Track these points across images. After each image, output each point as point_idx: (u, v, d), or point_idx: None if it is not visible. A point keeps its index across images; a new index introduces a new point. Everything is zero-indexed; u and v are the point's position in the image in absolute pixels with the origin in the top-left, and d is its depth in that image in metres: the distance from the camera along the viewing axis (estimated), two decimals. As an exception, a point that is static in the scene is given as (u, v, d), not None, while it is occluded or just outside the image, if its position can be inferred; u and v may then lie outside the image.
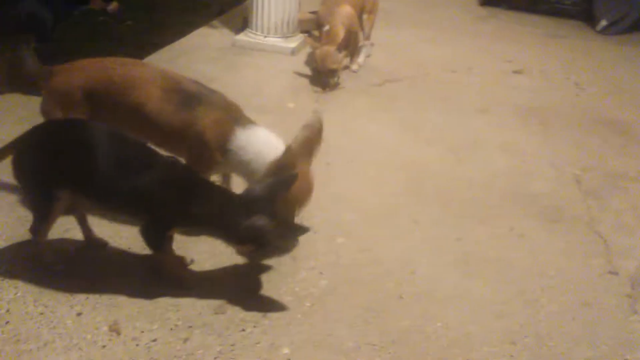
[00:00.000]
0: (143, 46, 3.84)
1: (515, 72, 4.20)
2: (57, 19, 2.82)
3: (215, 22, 4.55)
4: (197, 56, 3.87)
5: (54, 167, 1.72)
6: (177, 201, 1.74)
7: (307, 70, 3.81)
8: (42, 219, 1.79)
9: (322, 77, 3.56)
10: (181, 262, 1.96)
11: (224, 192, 1.86)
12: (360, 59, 3.98)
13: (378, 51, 4.32)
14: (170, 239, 1.86)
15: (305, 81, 3.66)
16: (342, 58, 3.55)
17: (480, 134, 3.22)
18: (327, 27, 3.60)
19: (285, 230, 1.78)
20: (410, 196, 2.56)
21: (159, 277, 1.89)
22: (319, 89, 3.55)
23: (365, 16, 3.96)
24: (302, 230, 1.82)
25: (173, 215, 1.78)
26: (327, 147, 2.87)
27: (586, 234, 2.43)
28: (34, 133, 1.76)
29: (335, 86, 3.59)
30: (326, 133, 2.98)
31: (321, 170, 2.66)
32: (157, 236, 1.82)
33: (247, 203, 1.76)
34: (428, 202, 2.53)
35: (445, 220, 2.41)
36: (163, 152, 1.91)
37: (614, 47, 5.07)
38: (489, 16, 5.64)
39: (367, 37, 4.03)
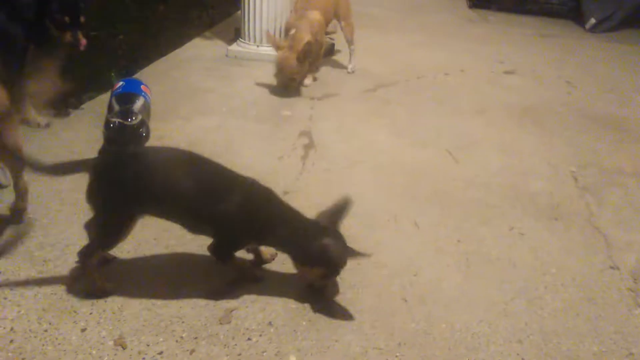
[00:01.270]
0: (136, 59, 3.85)
1: (507, 72, 4.24)
2: (32, 41, 2.72)
3: (207, 34, 4.57)
4: (191, 68, 3.88)
5: (137, 194, 1.75)
6: (253, 223, 1.81)
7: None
8: (112, 242, 1.82)
9: (283, 80, 3.53)
10: (246, 263, 2.03)
11: (298, 214, 1.88)
12: (352, 63, 4.01)
13: (370, 56, 4.35)
14: None
15: (300, 89, 3.67)
16: (301, 68, 3.47)
17: (476, 134, 3.25)
18: (293, 32, 3.53)
19: (349, 253, 1.85)
20: (410, 199, 2.57)
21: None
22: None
23: (342, 23, 3.97)
24: (362, 255, 1.87)
25: (247, 235, 1.85)
26: (325, 153, 2.90)
27: (585, 230, 2.44)
28: (114, 159, 1.79)
29: (297, 88, 3.57)
30: (323, 139, 3.02)
31: (320, 176, 2.68)
32: (227, 253, 1.90)
33: (321, 228, 1.84)
34: (427, 204, 2.54)
35: (445, 222, 2.42)
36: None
37: (603, 44, 5.12)
38: (479, 19, 5.70)
39: (351, 42, 4.03)
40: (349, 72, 4.00)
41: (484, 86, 3.99)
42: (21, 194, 2.12)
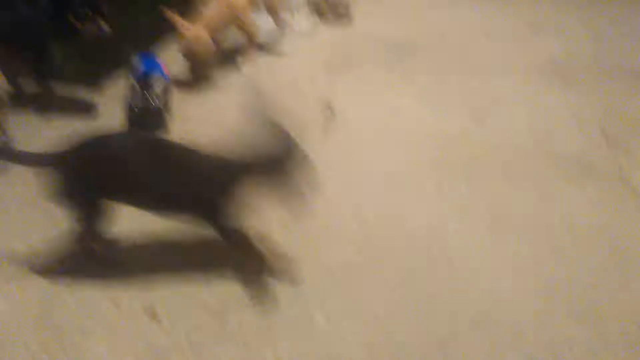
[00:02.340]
0: (155, 40, 3.84)
1: (533, 30, 4.10)
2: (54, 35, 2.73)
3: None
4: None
5: (103, 181, 1.72)
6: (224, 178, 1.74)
7: (320, 48, 3.79)
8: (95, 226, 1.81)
9: (192, 66, 3.06)
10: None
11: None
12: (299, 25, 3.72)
13: (391, 20, 4.27)
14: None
15: (320, 59, 3.63)
16: (214, 47, 3.05)
17: (503, 96, 3.16)
18: (203, 9, 3.12)
19: None
20: (436, 164, 2.53)
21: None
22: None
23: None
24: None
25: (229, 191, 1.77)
26: (348, 123, 2.88)
27: (616, 186, 2.37)
28: (79, 147, 1.74)
29: (208, 79, 3.12)
30: (346, 109, 2.99)
31: (343, 147, 2.67)
32: (229, 224, 1.81)
33: None
34: (454, 168, 2.50)
35: (472, 185, 2.38)
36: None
37: (635, -5, 4.88)
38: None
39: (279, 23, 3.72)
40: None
41: (510, 46, 3.86)
42: None
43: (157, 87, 2.82)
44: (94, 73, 3.10)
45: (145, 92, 2.78)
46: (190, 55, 3.02)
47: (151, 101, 2.76)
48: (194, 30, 3.01)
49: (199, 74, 3.11)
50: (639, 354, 1.63)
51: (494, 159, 2.57)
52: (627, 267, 1.93)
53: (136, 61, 2.96)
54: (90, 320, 1.71)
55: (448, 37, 4.00)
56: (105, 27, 2.68)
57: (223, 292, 1.82)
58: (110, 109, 2.97)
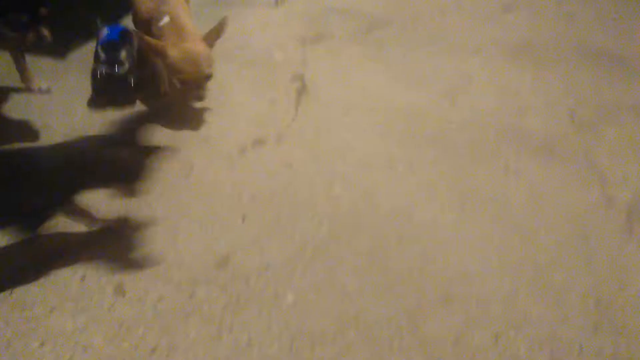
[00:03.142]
0: (121, 5, 3.71)
1: (505, 8, 4.12)
2: None
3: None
4: (178, 13, 3.75)
5: None
6: None
7: (291, 21, 3.72)
8: None
9: (192, 87, 2.51)
10: None
11: None
12: None
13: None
14: None
15: (291, 32, 3.57)
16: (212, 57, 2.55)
17: (473, 74, 3.18)
18: (166, 20, 2.53)
19: None
20: (405, 142, 2.54)
21: None
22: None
23: None
24: None
25: None
26: (318, 97, 2.85)
27: (581, 167, 2.43)
28: None
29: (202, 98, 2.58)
30: (316, 83, 2.96)
31: (313, 121, 2.65)
32: None
33: None
34: (422, 146, 2.52)
35: (440, 163, 2.41)
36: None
37: (605, -24, 4.94)
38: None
39: None
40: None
41: (481, 24, 3.87)
42: None
43: (122, 53, 2.72)
44: (58, 39, 2.95)
45: (110, 58, 2.68)
46: (192, 75, 2.46)
47: (116, 67, 2.67)
48: (188, 47, 2.46)
49: (198, 97, 2.57)
50: (595, 329, 1.70)
51: (463, 137, 2.60)
52: (587, 247, 2.00)
53: (101, 27, 2.84)
54: (57, 297, 1.67)
55: (420, 13, 3.97)
56: (47, 34, 2.22)
57: (193, 270, 1.80)
58: (74, 76, 2.86)
